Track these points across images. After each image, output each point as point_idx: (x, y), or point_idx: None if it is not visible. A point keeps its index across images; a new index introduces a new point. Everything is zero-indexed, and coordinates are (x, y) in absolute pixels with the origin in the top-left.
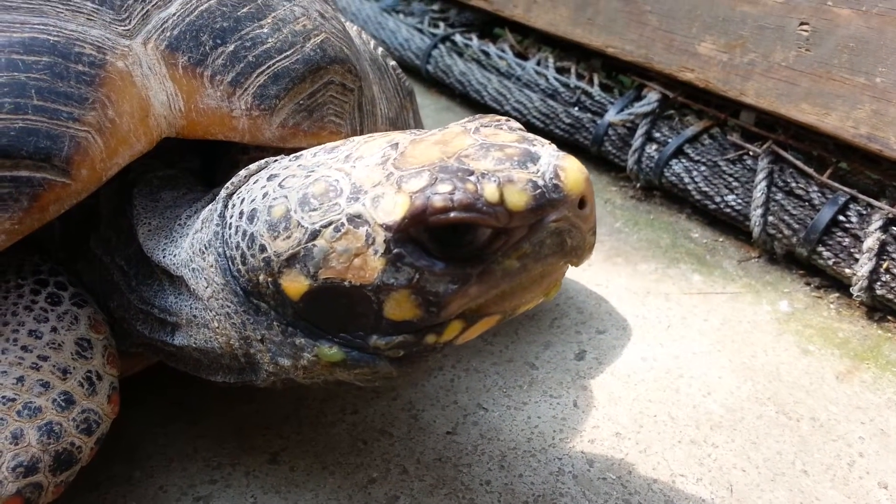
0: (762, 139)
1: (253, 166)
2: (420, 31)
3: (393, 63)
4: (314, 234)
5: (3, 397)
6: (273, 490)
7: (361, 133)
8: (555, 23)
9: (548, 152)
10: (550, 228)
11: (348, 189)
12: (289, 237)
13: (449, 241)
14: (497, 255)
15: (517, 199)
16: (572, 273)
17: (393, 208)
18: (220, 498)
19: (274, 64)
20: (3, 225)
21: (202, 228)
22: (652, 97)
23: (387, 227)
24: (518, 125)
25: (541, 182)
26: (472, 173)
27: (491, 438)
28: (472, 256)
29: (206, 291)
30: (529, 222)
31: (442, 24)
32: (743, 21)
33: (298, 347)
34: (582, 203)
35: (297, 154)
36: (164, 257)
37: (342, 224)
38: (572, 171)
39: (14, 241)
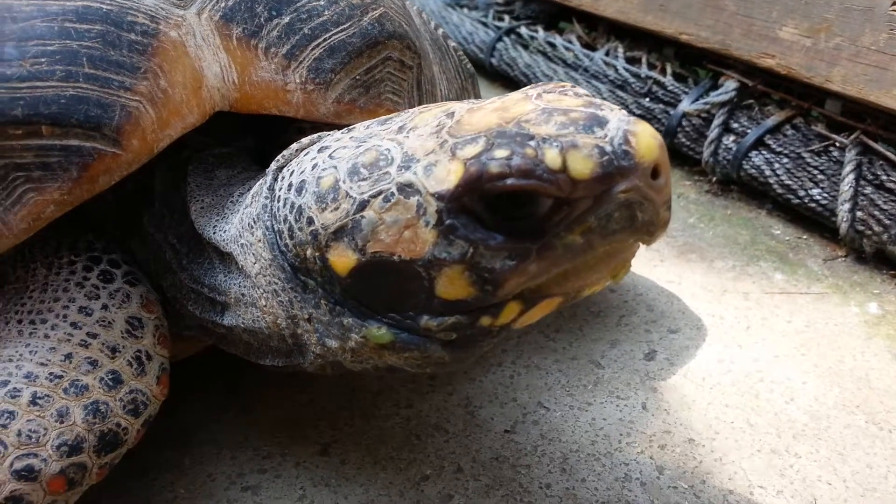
0: (849, 129)
1: (305, 140)
2: (484, 24)
3: (454, 44)
4: (362, 205)
5: (51, 374)
6: (323, 483)
7: None
8: (625, 10)
9: (617, 117)
10: (619, 200)
11: (399, 158)
12: (336, 208)
13: (507, 213)
14: (559, 230)
15: (581, 165)
16: (642, 269)
17: (446, 176)
18: (269, 488)
19: (330, 37)
20: (53, 195)
21: (252, 203)
22: (729, 85)
23: (439, 197)
24: (584, 91)
25: (608, 148)
26: (532, 138)
27: (552, 439)
28: (532, 230)
29: (253, 268)
30: (595, 192)
31: (507, 17)
32: (828, 3)
33: (346, 328)
34: (655, 172)
35: (351, 127)
36: (214, 233)
37: (392, 194)
38: (644, 136)
39: (64, 211)
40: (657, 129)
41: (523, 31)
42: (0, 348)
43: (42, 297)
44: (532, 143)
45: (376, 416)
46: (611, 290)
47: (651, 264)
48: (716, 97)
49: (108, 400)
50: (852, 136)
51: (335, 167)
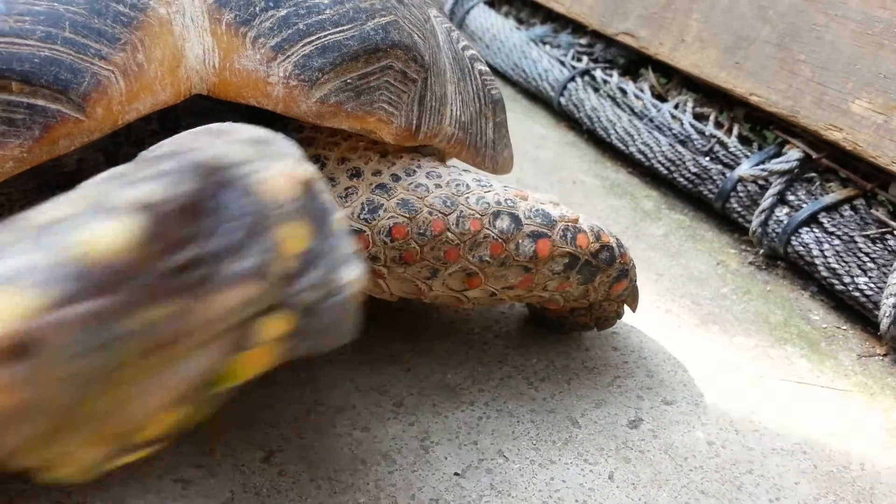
0: None
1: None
2: (562, 63)
3: (481, 67)
4: None
5: None
6: (254, 490)
7: (418, 128)
8: (700, 64)
9: None
10: None
11: None
12: None
13: None
14: None
15: None
16: (655, 333)
17: None
18: (200, 485)
19: (326, 36)
20: (13, 151)
21: None
22: (792, 155)
23: None
24: None
25: None
26: None
27: (500, 491)
28: None
29: None
30: None
31: (585, 59)
32: None
33: None
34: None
35: None
36: None
37: None
38: None
39: (21, 170)
40: (711, 191)
41: (598, 73)
42: None
43: None
44: None
45: (329, 434)
46: (614, 347)
47: (667, 328)
48: (776, 164)
49: None
50: None
51: None
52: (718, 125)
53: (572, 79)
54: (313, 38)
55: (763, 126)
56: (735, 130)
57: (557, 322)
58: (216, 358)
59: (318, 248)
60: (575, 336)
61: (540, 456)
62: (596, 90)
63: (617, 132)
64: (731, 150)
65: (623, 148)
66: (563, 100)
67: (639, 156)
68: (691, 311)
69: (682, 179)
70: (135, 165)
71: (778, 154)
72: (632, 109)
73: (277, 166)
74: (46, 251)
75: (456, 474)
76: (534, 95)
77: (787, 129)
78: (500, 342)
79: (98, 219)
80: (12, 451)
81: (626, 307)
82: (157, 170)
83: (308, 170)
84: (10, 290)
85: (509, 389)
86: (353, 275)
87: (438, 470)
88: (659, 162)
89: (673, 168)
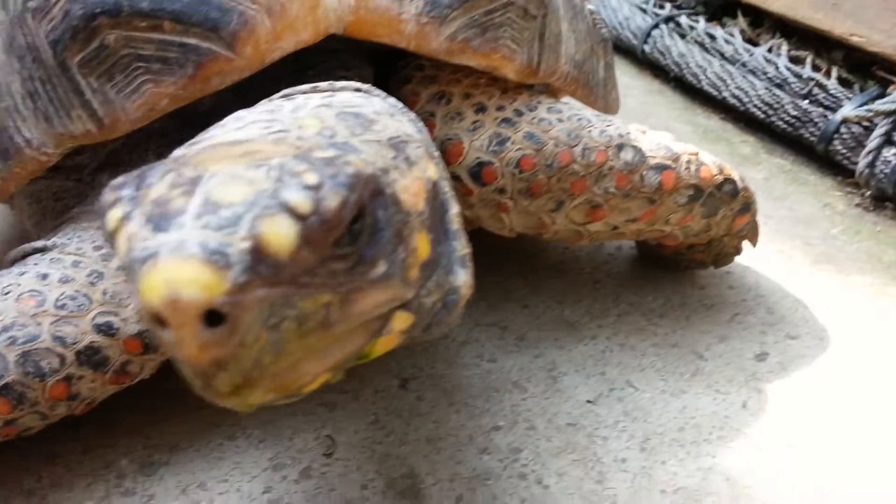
0: None
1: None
2: (643, 10)
3: (590, 7)
4: None
5: None
6: (395, 413)
7: (538, 65)
8: (793, 6)
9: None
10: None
11: None
12: None
13: None
14: None
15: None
16: (770, 272)
17: None
18: (346, 408)
19: None
20: (168, 89)
21: None
22: None
23: None
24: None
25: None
26: None
27: (636, 418)
28: None
29: None
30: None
31: (668, 6)
32: None
33: None
34: (161, 321)
35: None
36: None
37: None
38: (158, 271)
39: (176, 105)
40: (812, 133)
41: (683, 20)
42: None
43: None
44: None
45: (457, 365)
46: (730, 286)
47: (781, 268)
48: (881, 105)
49: None
50: None
51: None
52: (815, 68)
53: (656, 26)
54: None
55: (861, 69)
56: (834, 73)
57: (672, 260)
58: (361, 343)
59: (440, 251)
60: (688, 275)
61: (669, 386)
62: (682, 36)
63: (708, 78)
64: (832, 92)
65: (715, 93)
66: (646, 47)
67: (733, 101)
68: (803, 251)
69: (781, 123)
70: (298, 161)
71: (882, 95)
72: (722, 55)
73: (414, 172)
74: (235, 233)
75: (588, 402)
76: (614, 45)
77: (891, 69)
78: (612, 281)
79: (276, 212)
80: (217, 394)
81: (744, 244)
82: (323, 175)
83: (435, 171)
84: (211, 267)
85: (628, 325)
86: (465, 277)
87: (571, 398)
88: (756, 106)
89: (771, 112)
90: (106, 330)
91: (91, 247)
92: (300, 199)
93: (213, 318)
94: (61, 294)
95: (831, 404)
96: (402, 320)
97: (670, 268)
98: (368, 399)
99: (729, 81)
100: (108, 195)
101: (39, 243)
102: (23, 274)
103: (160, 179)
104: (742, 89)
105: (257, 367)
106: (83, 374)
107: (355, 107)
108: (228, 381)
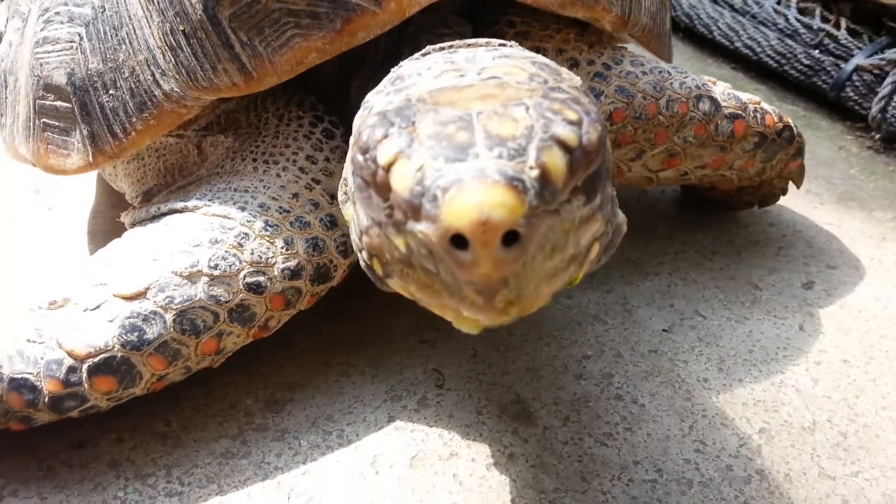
0: None
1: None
2: None
3: None
4: None
5: (280, 207)
6: (492, 347)
7: (628, 17)
8: None
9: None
10: (418, 239)
11: None
12: None
13: None
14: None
15: (397, 177)
16: (802, 209)
17: None
18: (445, 344)
19: None
20: (316, 43)
21: None
22: None
23: None
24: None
25: (427, 181)
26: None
27: (709, 343)
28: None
29: None
30: (404, 211)
31: None
32: None
33: None
34: (461, 242)
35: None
36: None
37: None
38: (467, 195)
39: (321, 60)
40: (825, 81)
41: None
42: (238, 180)
43: (274, 142)
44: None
45: None
46: (770, 224)
47: (810, 206)
48: (893, 54)
49: (325, 238)
50: None
51: None
52: (824, 20)
53: None
54: None
55: (868, 22)
56: (843, 24)
57: (719, 202)
58: (575, 269)
59: (610, 192)
60: (730, 215)
61: (734, 314)
62: None
63: (720, 28)
64: (842, 42)
65: (727, 44)
66: None
67: (745, 51)
68: (828, 189)
69: (793, 72)
70: (551, 101)
71: (892, 44)
72: (731, 6)
73: (596, 126)
74: (524, 161)
75: (664, 330)
76: None
77: None
78: (664, 223)
79: (552, 144)
80: (493, 310)
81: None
82: (580, 113)
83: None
84: (513, 191)
85: (686, 262)
86: (622, 215)
87: (647, 328)
88: (768, 56)
89: (784, 61)
90: (255, 288)
91: (235, 208)
92: (568, 133)
93: (509, 238)
94: (213, 255)
95: (874, 324)
96: (594, 251)
97: (715, 209)
98: (463, 335)
99: (741, 32)
100: (372, 132)
101: (179, 204)
102: (166, 235)
103: (423, 119)
104: (754, 39)
105: (527, 285)
106: (232, 329)
107: (534, 56)
108: (505, 297)
